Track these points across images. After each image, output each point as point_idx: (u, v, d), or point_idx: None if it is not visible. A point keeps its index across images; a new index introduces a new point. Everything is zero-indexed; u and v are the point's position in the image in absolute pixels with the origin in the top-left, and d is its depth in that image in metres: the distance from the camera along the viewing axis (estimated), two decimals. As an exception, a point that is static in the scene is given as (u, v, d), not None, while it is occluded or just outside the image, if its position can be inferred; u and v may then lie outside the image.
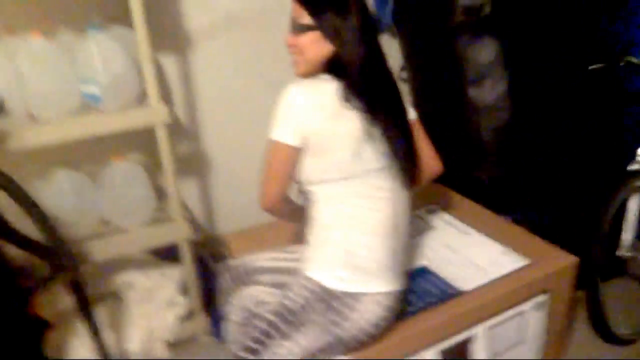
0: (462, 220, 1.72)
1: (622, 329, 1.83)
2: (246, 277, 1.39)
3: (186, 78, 2.01)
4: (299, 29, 1.16)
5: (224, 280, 1.45)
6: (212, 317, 2.00)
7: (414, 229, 1.62)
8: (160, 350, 1.89)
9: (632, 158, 1.83)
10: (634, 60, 1.86)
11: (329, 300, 1.15)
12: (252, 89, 2.14)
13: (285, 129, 1.15)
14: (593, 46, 1.97)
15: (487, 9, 1.85)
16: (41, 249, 1.42)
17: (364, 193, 1.19)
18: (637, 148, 1.83)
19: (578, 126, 1.94)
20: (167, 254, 2.05)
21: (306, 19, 1.15)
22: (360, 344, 1.18)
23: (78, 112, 1.54)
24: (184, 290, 1.96)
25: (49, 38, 1.49)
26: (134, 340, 1.84)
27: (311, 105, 1.13)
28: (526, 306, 1.42)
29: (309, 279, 1.18)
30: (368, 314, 1.15)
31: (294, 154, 1.16)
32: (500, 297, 1.37)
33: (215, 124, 2.16)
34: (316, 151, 1.16)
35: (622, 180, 1.76)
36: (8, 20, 1.56)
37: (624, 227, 1.84)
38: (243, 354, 1.19)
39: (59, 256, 1.43)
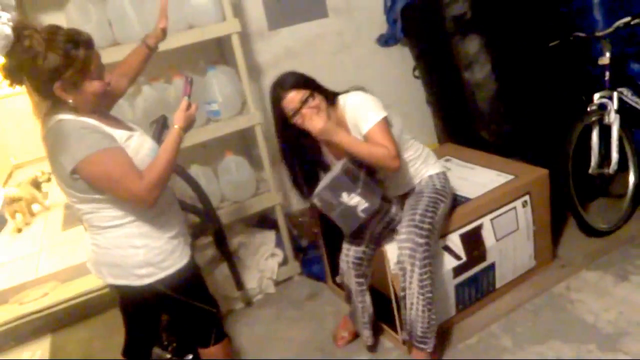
0: (468, 161, 2.46)
1: (601, 225, 2.51)
2: None
3: (260, 96, 2.83)
4: None
5: None
6: (301, 262, 2.77)
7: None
8: (270, 287, 2.67)
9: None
10: (581, 34, 2.56)
11: None
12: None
13: None
14: (550, 28, 2.70)
15: (468, 15, 2.60)
16: (199, 211, 2.23)
17: None
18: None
19: (548, 87, 2.66)
20: (265, 224, 2.86)
21: None
22: None
23: (205, 124, 2.38)
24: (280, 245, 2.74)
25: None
26: (252, 281, 2.62)
27: None
28: (516, 204, 2.13)
29: None
30: None
31: None
32: (496, 197, 2.10)
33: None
34: None
35: (580, 117, 2.45)
36: (150, 73, 2.41)
37: (592, 152, 2.52)
38: None
39: (211, 216, 2.24)
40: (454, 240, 2.02)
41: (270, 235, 2.76)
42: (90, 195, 1.41)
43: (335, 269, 2.48)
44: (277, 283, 2.69)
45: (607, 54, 2.49)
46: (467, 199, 2.12)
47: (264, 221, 2.89)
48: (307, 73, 1.88)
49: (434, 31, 2.72)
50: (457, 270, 2.03)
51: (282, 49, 2.80)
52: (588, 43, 2.61)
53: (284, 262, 2.73)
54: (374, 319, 2.08)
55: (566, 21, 2.72)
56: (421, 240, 1.79)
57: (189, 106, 1.53)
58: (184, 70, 2.45)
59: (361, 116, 1.76)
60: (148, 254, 1.50)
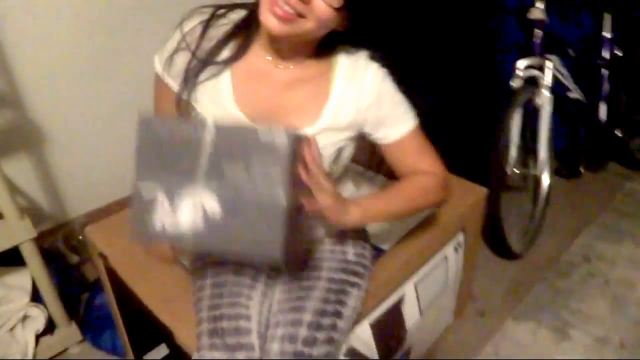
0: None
1: (515, 245, 1.89)
2: None
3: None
4: None
5: None
6: (81, 321, 1.65)
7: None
8: (22, 379, 1.51)
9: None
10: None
11: None
12: (92, 48, 1.73)
13: None
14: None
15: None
16: None
17: None
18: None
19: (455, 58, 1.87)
20: (9, 259, 1.61)
21: None
22: None
23: None
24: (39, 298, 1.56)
25: None
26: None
27: None
28: (447, 250, 1.31)
29: None
30: None
31: None
32: (424, 246, 1.24)
33: (46, 89, 1.71)
34: None
35: (507, 100, 1.72)
36: None
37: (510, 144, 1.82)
38: None
39: None
40: (362, 336, 1.12)
41: (21, 283, 1.56)
42: None
43: (142, 343, 1.45)
44: (36, 368, 1.54)
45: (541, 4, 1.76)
46: (380, 251, 1.24)
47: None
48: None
49: None
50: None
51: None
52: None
53: (50, 328, 1.58)
54: None
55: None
56: None
57: None
58: None
59: (392, 114, 0.94)
60: None
